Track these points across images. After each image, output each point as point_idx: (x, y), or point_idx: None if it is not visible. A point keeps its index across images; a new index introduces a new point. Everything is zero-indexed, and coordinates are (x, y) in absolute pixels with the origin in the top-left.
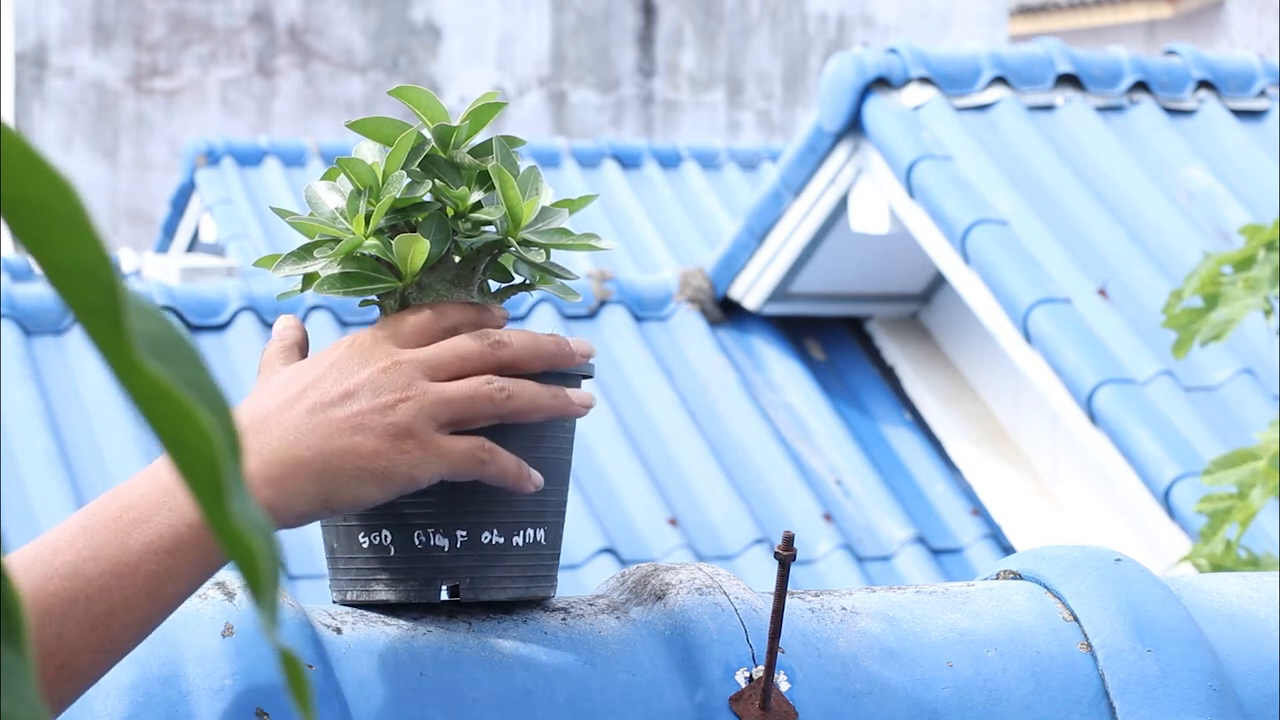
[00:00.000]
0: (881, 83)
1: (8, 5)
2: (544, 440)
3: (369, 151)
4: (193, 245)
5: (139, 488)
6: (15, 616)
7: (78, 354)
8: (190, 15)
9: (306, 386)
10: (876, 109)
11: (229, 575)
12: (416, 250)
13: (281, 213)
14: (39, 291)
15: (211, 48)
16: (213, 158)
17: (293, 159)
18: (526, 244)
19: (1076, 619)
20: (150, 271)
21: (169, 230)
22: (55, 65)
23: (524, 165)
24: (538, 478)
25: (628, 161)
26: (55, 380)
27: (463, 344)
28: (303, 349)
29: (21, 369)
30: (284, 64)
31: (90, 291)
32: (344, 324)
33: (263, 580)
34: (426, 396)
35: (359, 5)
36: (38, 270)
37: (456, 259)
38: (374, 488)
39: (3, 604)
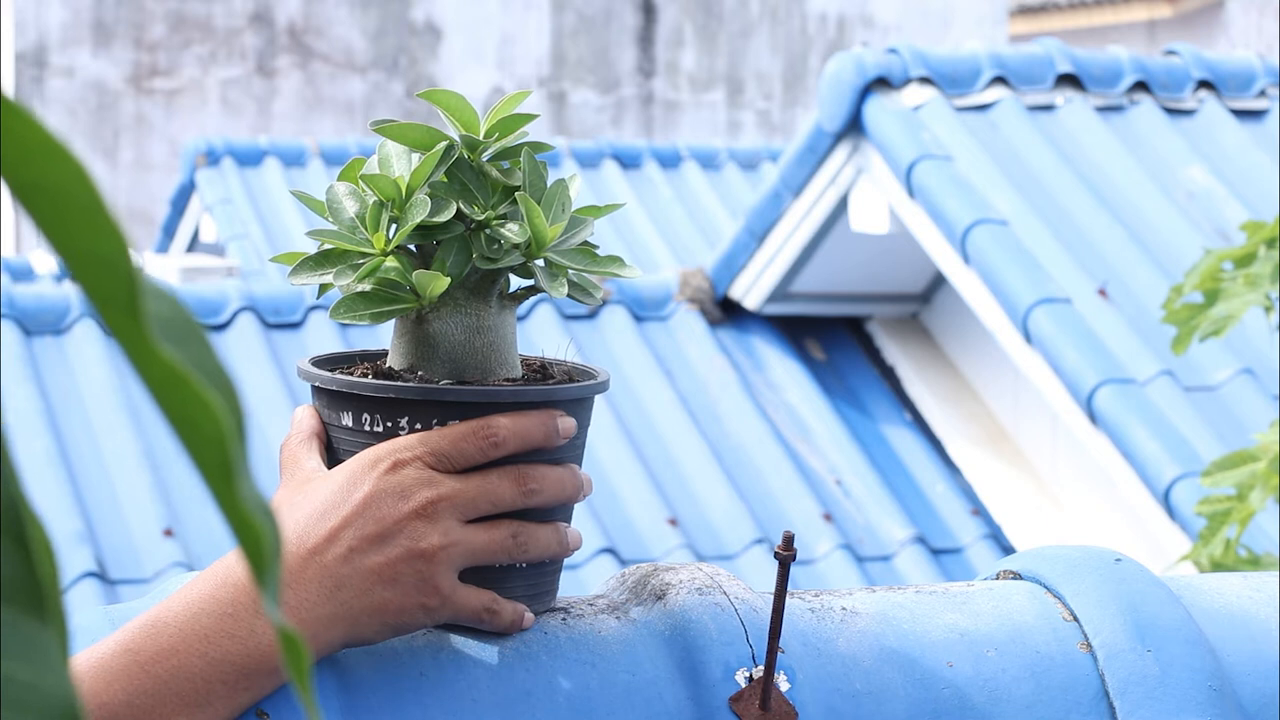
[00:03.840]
0: (881, 83)
1: (8, 5)
2: (557, 459)
3: (394, 155)
4: (193, 245)
5: (177, 625)
6: (48, 590)
7: (78, 354)
8: (190, 15)
9: (341, 526)
10: (876, 109)
11: None
12: (436, 285)
13: (301, 196)
14: (39, 291)
15: (211, 48)
16: (213, 158)
17: (293, 159)
18: (550, 264)
19: (1076, 619)
20: (150, 271)
21: (169, 230)
22: (55, 65)
23: (552, 177)
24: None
25: (628, 161)
26: (55, 380)
27: (498, 489)
28: (322, 438)
29: (21, 369)
30: (284, 64)
31: (108, 280)
32: (344, 325)
33: (266, 561)
34: (457, 549)
35: (359, 5)
36: (40, 270)
37: (477, 268)
38: (390, 634)
39: (36, 578)
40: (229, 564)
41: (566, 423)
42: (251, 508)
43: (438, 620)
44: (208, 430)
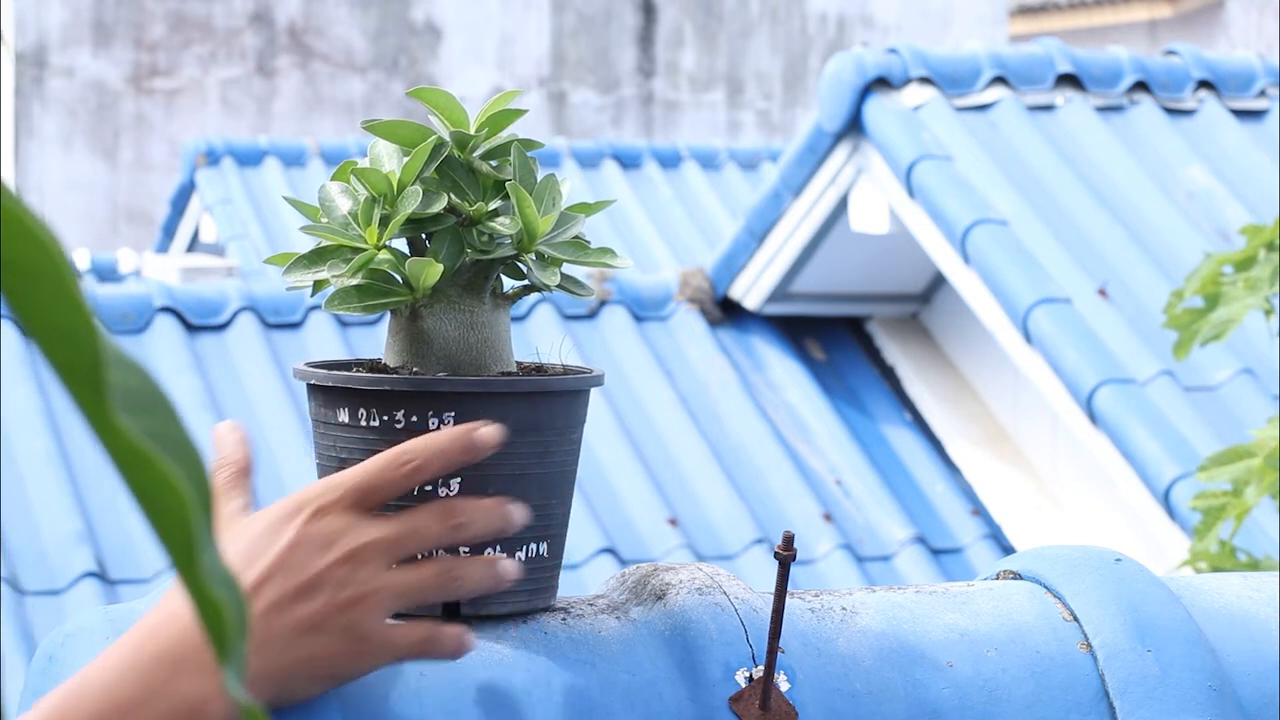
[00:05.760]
0: (881, 83)
1: (8, 5)
2: (552, 454)
3: (385, 154)
4: (193, 245)
5: (95, 696)
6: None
7: None
8: (190, 15)
9: (262, 579)
10: (876, 109)
11: None
12: (429, 273)
13: (295, 203)
14: None
15: (211, 48)
16: (213, 158)
17: (293, 159)
18: (541, 257)
19: (1076, 619)
20: (150, 271)
21: (169, 230)
22: (55, 65)
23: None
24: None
25: (628, 161)
26: (55, 380)
27: (424, 528)
28: (248, 473)
29: (21, 369)
30: (284, 64)
31: (72, 352)
32: (344, 324)
33: (229, 637)
34: (384, 594)
35: (359, 5)
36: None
37: (469, 264)
38: (324, 686)
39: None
40: (150, 627)
41: (487, 433)
42: (214, 583)
43: (375, 666)
44: (170, 505)
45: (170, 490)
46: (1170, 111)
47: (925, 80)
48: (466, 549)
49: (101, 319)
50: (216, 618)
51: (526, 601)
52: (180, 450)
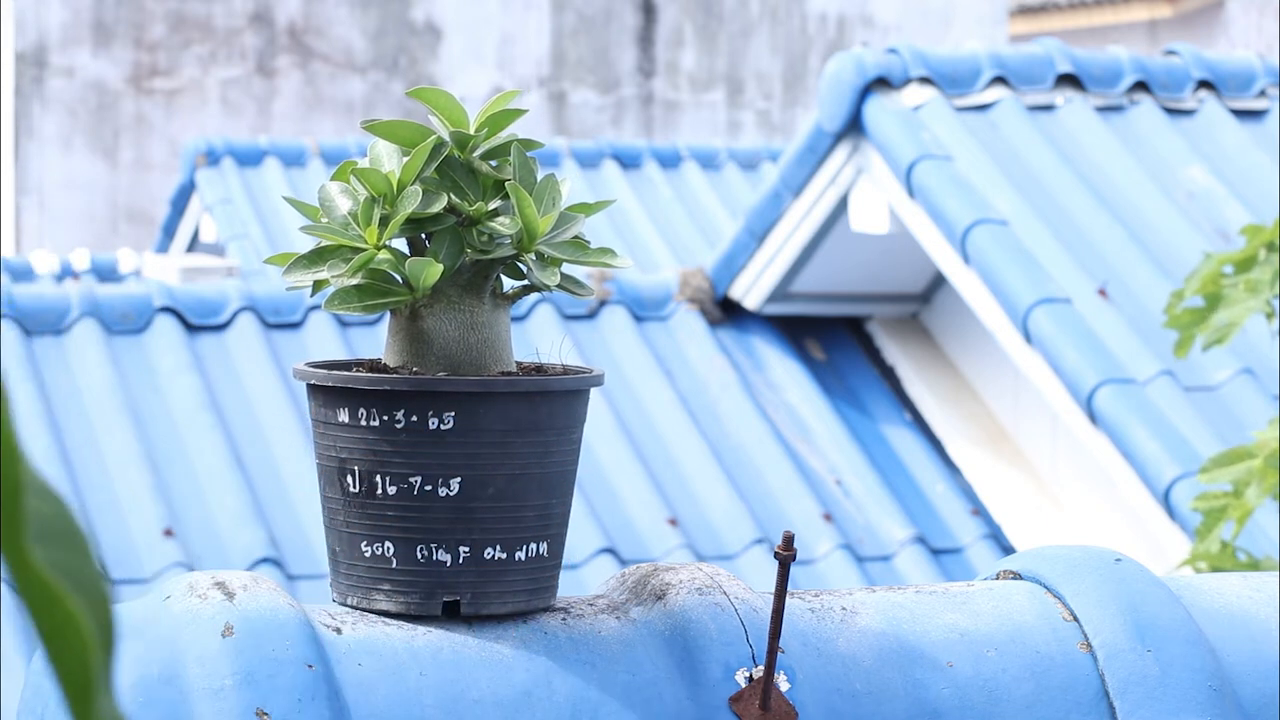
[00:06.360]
0: (881, 83)
1: (8, 5)
2: (552, 454)
3: (385, 153)
4: (193, 245)
5: None
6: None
7: (78, 354)
8: (190, 15)
9: None
10: (876, 109)
11: (229, 576)
12: (429, 273)
13: (295, 203)
14: (39, 291)
15: (211, 48)
16: (213, 158)
17: (293, 159)
18: (541, 257)
19: (1076, 619)
20: (150, 271)
21: (169, 230)
22: (55, 65)
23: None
24: None
25: (628, 161)
26: (55, 380)
27: None
28: None
29: (21, 369)
30: (284, 64)
31: None
32: (344, 324)
33: None
34: None
35: (359, 5)
36: (40, 270)
37: (469, 264)
38: None
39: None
40: None
41: None
42: None
43: None
44: (72, 644)
45: (74, 628)
46: (1170, 111)
47: (925, 80)
48: (466, 549)
49: (101, 319)
50: None
51: (526, 601)
52: (90, 587)
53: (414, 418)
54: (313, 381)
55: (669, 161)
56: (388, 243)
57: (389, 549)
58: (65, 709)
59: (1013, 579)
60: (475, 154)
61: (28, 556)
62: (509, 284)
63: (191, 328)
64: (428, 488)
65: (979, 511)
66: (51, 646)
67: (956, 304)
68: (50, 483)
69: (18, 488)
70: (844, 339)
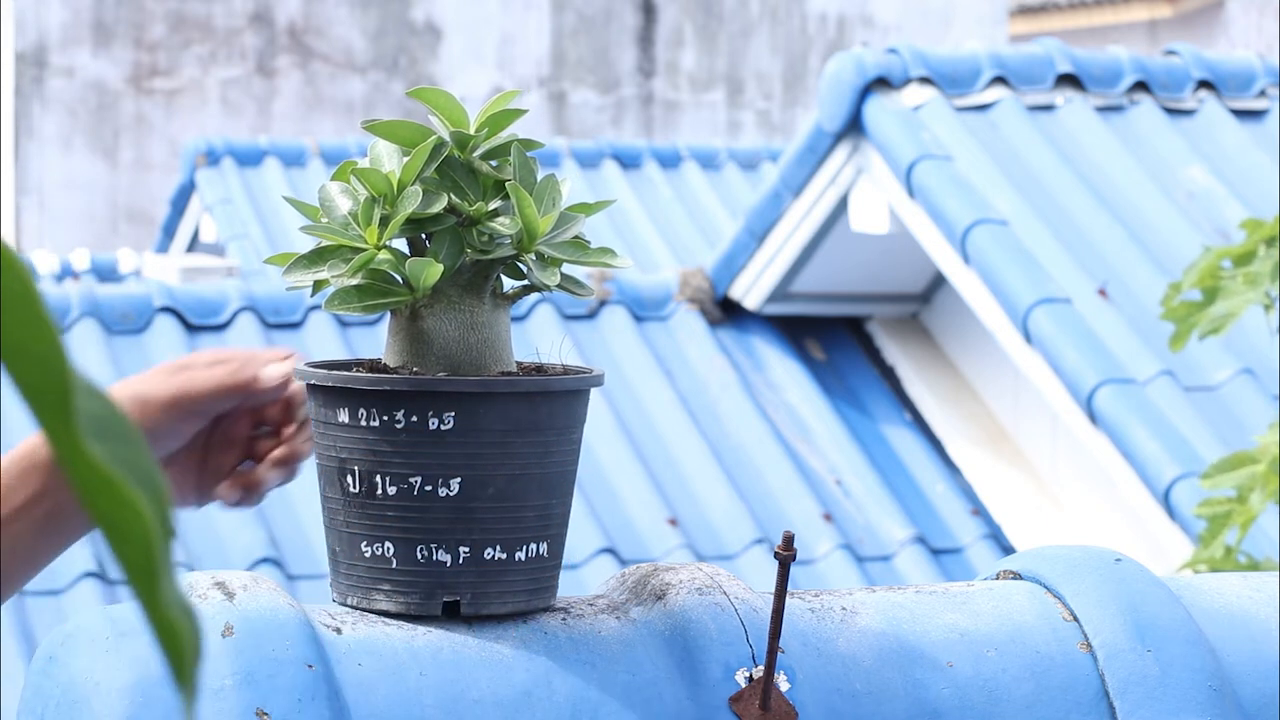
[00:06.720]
0: (881, 83)
1: (8, 5)
2: (552, 454)
3: (385, 154)
4: (193, 245)
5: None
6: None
7: (78, 354)
8: (190, 15)
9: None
10: (876, 109)
11: (228, 576)
12: (429, 273)
13: (295, 203)
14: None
15: (211, 48)
16: (213, 158)
17: (293, 159)
18: (541, 257)
19: (1076, 619)
20: (150, 271)
21: (169, 230)
22: (55, 65)
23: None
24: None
25: (628, 161)
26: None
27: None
28: (243, 393)
29: None
30: (284, 64)
31: (41, 377)
32: (344, 324)
33: (186, 662)
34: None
35: (359, 5)
36: (40, 270)
37: (469, 264)
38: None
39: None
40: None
41: (273, 372)
42: (174, 611)
43: (213, 389)
44: (134, 532)
45: (135, 516)
46: (1170, 111)
47: (925, 80)
48: (466, 549)
49: (101, 319)
50: (174, 642)
51: (526, 601)
52: (145, 478)
53: (414, 418)
54: (312, 381)
55: (669, 161)
56: (388, 243)
57: (389, 549)
58: (132, 596)
59: (1013, 579)
60: (475, 154)
61: (84, 451)
62: (509, 284)
63: (192, 328)
64: (428, 488)
65: (979, 511)
66: (113, 537)
67: (956, 304)
68: (96, 382)
69: (67, 387)
70: (844, 339)
